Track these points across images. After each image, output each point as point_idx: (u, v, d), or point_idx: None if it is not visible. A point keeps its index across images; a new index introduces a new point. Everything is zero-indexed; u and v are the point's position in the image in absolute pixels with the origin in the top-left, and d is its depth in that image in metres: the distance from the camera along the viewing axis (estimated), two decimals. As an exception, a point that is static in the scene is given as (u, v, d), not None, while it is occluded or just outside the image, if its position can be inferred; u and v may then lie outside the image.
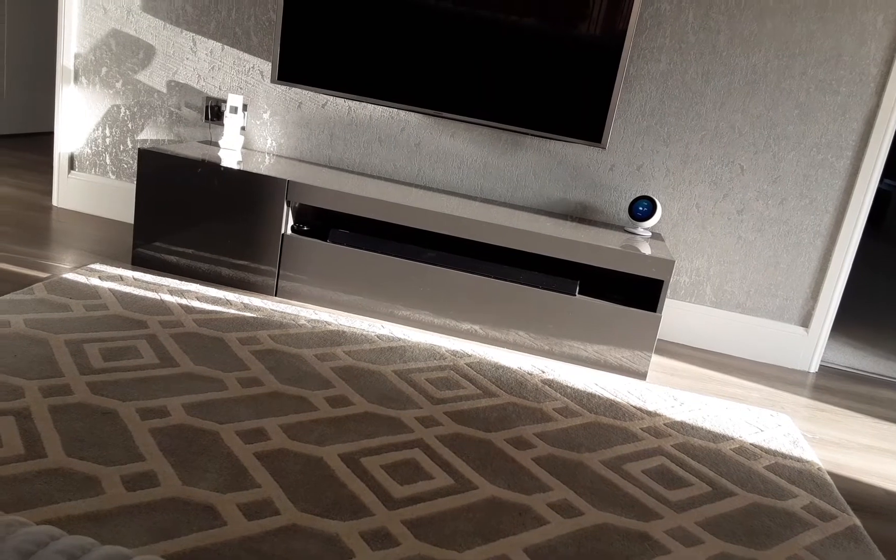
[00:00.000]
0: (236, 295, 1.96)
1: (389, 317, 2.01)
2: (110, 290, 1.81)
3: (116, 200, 2.53)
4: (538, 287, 1.96)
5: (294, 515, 1.05)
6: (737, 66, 2.15)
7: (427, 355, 1.79)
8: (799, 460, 1.58)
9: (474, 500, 1.19)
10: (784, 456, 1.59)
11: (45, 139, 3.91)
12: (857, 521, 1.35)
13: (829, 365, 2.42)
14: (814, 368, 2.32)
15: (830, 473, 1.58)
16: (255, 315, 1.83)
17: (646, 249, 1.94)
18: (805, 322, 2.29)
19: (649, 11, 2.15)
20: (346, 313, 2.01)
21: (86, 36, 2.42)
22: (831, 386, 2.21)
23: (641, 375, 1.95)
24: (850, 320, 3.12)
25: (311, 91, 2.22)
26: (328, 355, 1.66)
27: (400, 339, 1.86)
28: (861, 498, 1.49)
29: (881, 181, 6.73)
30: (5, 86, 3.68)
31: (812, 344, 2.29)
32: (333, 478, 1.17)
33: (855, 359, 2.55)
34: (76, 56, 2.44)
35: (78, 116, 2.50)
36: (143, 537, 0.95)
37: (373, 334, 1.86)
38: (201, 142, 2.38)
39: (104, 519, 0.97)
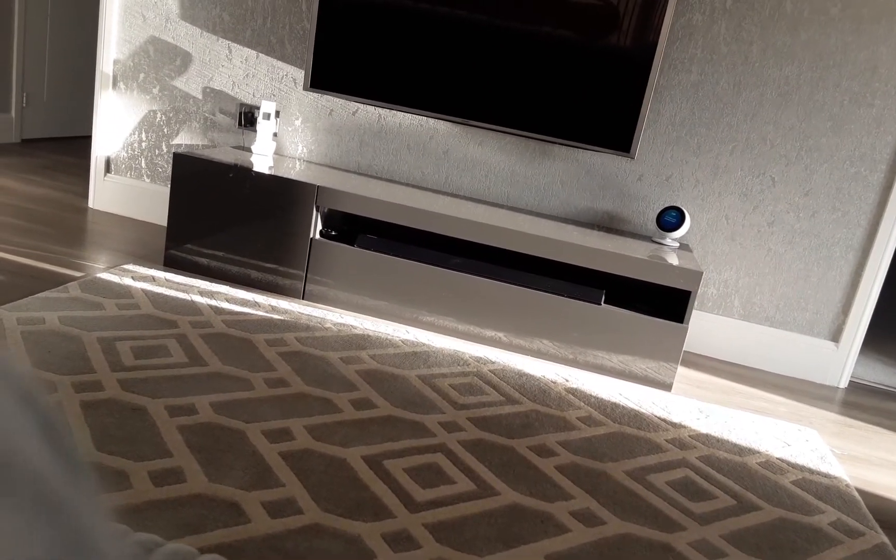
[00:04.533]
0: (264, 297, 1.99)
1: (414, 322, 2.03)
2: (142, 290, 1.85)
3: (150, 203, 2.58)
4: (564, 295, 1.96)
5: (317, 515, 1.07)
6: (769, 77, 2.13)
7: (451, 361, 1.80)
8: (826, 476, 1.56)
9: (496, 505, 1.19)
10: (811, 471, 1.57)
11: (83, 143, 4.00)
12: (886, 539, 1.32)
13: (859, 381, 2.38)
14: (843, 384, 2.28)
15: (858, 490, 1.56)
16: (282, 317, 1.86)
17: (673, 260, 1.93)
18: (835, 337, 2.26)
19: (681, 23, 2.14)
20: (371, 318, 2.03)
21: (125, 43, 2.48)
22: (861, 402, 2.17)
23: (667, 387, 1.94)
24: (881, 336, 3.07)
25: (343, 98, 2.25)
26: (353, 358, 1.68)
27: (424, 345, 1.87)
28: (890, 515, 1.46)
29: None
30: (46, 90, 3.78)
31: (842, 359, 2.25)
32: (356, 479, 1.18)
33: (885, 375, 2.51)
34: (115, 62, 2.50)
35: (115, 121, 2.56)
36: (169, 532, 0.97)
37: (397, 339, 1.88)
38: (234, 147, 2.42)
39: (132, 513, 0.99)
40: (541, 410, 1.61)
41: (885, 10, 2.03)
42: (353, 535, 1.03)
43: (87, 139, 4.13)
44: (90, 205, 2.64)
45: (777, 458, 1.61)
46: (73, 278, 1.86)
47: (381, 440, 1.33)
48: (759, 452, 1.62)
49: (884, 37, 2.05)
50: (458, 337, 2.01)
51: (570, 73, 2.07)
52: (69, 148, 3.76)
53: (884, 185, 2.13)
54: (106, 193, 2.61)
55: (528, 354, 1.99)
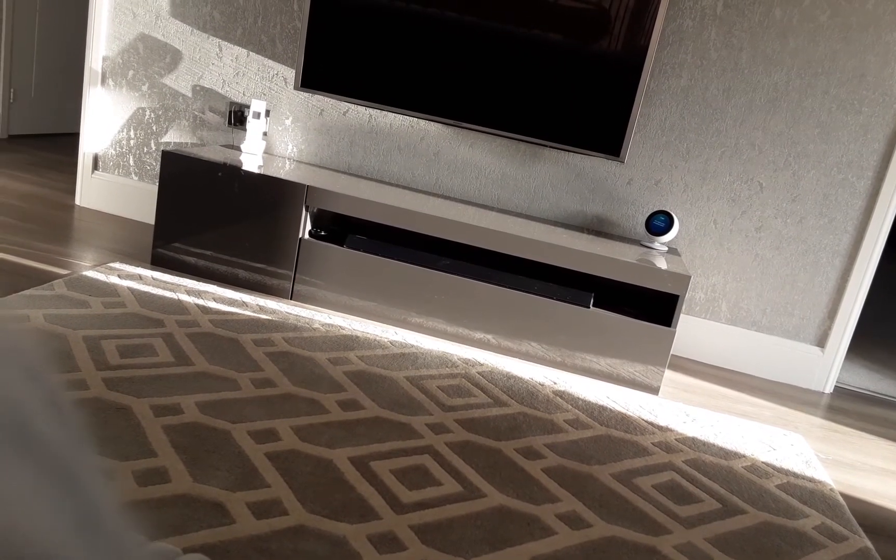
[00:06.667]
0: (252, 297, 1.98)
1: (403, 323, 2.02)
2: (129, 288, 1.84)
3: (138, 201, 2.57)
4: (552, 298, 1.96)
5: (302, 516, 1.06)
6: (758, 83, 2.14)
7: (439, 363, 1.80)
8: (811, 480, 1.57)
9: (482, 507, 1.19)
10: (796, 475, 1.58)
11: (70, 140, 3.98)
12: (869, 544, 1.33)
13: (845, 386, 2.40)
14: (829, 389, 2.30)
15: (843, 494, 1.57)
16: (270, 317, 1.85)
17: (662, 264, 1.94)
18: (821, 342, 2.27)
19: (671, 28, 2.15)
20: (360, 318, 2.02)
21: (114, 39, 2.46)
22: (846, 407, 2.18)
23: (654, 390, 1.95)
24: (866, 342, 3.09)
25: (333, 98, 2.24)
26: (341, 359, 1.68)
27: (413, 346, 1.87)
28: (874, 520, 1.47)
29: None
30: (34, 87, 3.75)
31: (828, 364, 2.27)
32: (343, 480, 1.18)
33: (870, 381, 2.52)
34: (104, 59, 2.48)
35: (104, 118, 2.54)
36: (153, 533, 0.96)
37: (386, 340, 1.87)
38: (224, 146, 2.41)
39: (116, 512, 0.98)
40: (528, 413, 1.61)
41: (872, 19, 2.05)
42: (339, 537, 1.03)
43: (74, 136, 4.10)
44: (77, 202, 2.62)
45: (762, 463, 1.61)
46: (58, 276, 1.85)
47: (368, 441, 1.32)
48: (744, 456, 1.63)
49: (871, 45, 2.06)
50: (446, 339, 2.01)
51: (561, 76, 2.07)
52: (56, 145, 3.74)
53: (870, 191, 2.14)
54: (93, 191, 2.60)
55: (516, 357, 1.99)
